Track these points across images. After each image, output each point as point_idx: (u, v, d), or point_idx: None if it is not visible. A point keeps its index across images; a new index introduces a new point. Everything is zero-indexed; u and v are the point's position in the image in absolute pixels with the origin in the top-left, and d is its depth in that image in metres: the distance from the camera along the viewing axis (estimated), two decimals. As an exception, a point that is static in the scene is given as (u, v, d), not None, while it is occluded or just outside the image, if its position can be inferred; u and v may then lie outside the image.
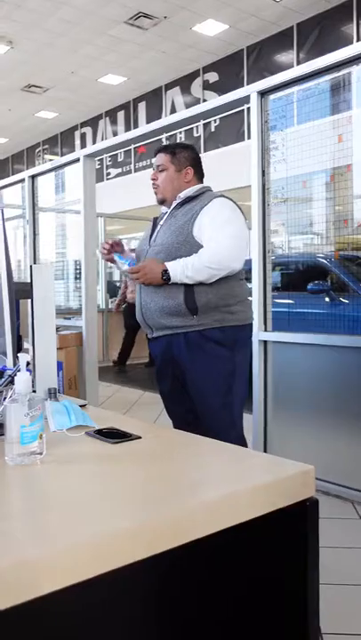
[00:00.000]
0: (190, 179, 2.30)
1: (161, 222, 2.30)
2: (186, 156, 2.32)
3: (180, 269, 2.09)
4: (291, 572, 0.97)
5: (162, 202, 2.32)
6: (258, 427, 3.18)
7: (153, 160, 2.39)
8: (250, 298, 2.42)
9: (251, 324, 2.31)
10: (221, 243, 2.10)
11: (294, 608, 0.97)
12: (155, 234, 2.30)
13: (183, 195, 2.26)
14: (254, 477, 0.98)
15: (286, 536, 0.97)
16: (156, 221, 2.36)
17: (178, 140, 11.90)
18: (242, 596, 1.00)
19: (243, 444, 2.26)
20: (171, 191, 2.28)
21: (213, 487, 0.96)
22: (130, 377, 6.52)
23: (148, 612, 0.85)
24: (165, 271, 2.10)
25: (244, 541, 0.95)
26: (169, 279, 2.10)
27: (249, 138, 3.31)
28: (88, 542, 0.74)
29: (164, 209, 2.36)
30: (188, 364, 2.18)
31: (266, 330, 3.16)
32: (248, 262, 2.93)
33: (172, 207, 2.28)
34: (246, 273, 2.34)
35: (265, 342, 3.16)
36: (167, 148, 2.33)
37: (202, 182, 2.36)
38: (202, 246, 2.12)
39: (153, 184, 2.32)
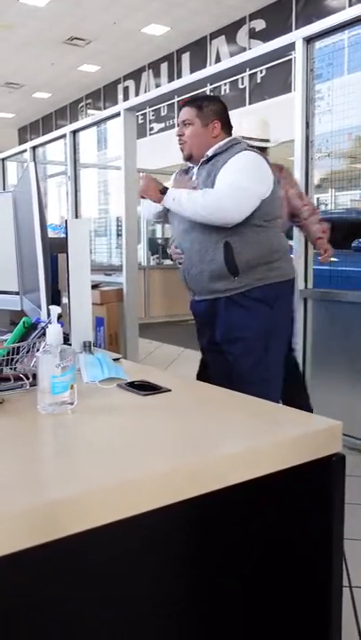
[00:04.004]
0: (218, 133, 2.20)
1: (192, 180, 2.24)
2: (213, 109, 2.21)
3: (177, 195, 2.12)
4: (315, 527, 0.98)
5: (188, 158, 2.25)
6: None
7: (179, 115, 2.30)
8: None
9: (293, 279, 2.25)
10: (222, 190, 2.05)
11: (318, 562, 0.99)
12: None
13: (212, 151, 2.17)
14: (280, 431, 0.98)
15: (311, 490, 0.97)
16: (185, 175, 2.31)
17: (223, 93, 11.58)
18: (264, 548, 1.02)
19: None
20: (198, 147, 2.20)
21: (238, 438, 0.97)
22: (171, 334, 6.56)
23: (169, 560, 0.88)
24: (165, 189, 2.16)
25: (268, 494, 0.96)
26: (164, 192, 2.16)
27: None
28: (113, 486, 0.77)
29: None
30: (227, 323, 2.16)
31: (306, 287, 3.11)
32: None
33: (199, 164, 2.21)
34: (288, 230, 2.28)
35: (305, 299, 3.12)
36: (193, 102, 2.24)
37: (230, 135, 2.26)
38: None
39: (179, 140, 2.24)
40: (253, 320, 2.14)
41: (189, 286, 2.25)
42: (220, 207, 2.04)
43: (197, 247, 2.13)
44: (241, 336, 2.14)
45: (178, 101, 12.54)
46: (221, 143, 2.18)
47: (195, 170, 2.25)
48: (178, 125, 2.28)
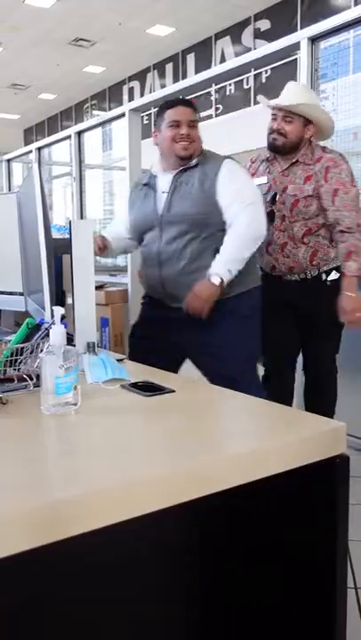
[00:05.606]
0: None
1: (165, 189, 2.15)
2: None
3: (225, 265, 2.03)
4: (319, 528, 0.97)
5: (188, 158, 2.13)
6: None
7: (173, 112, 2.14)
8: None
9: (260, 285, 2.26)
10: (245, 219, 2.06)
11: (322, 563, 0.98)
12: (164, 202, 2.15)
13: (195, 160, 2.13)
14: (284, 432, 0.98)
15: (315, 492, 0.97)
16: (149, 186, 2.23)
17: (227, 93, 11.58)
18: (267, 550, 1.01)
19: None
20: (198, 151, 2.15)
21: (242, 440, 0.96)
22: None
23: (172, 561, 0.87)
24: (213, 281, 2.03)
25: (272, 495, 0.95)
26: (223, 281, 2.03)
27: (301, 88, 3.17)
28: (116, 487, 0.76)
29: (157, 173, 2.22)
30: (218, 334, 2.10)
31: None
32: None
33: (178, 172, 2.14)
34: None
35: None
36: (191, 104, 2.18)
37: None
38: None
39: (186, 138, 2.11)
40: (245, 331, 2.14)
41: (168, 292, 2.16)
42: (259, 231, 2.10)
43: (188, 255, 2.08)
44: (229, 353, 2.11)
45: (183, 102, 12.52)
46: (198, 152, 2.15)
47: (160, 180, 2.19)
48: (175, 124, 2.13)
